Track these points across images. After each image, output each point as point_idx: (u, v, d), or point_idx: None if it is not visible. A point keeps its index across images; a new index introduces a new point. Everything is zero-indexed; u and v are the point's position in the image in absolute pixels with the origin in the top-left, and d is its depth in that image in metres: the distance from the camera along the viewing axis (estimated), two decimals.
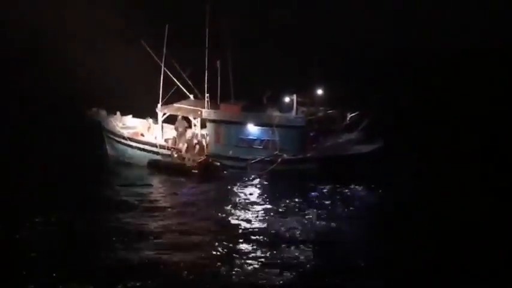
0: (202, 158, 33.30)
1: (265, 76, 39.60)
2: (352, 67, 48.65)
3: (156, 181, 33.26)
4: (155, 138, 35.33)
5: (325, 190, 30.38)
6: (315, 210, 28.00)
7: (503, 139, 36.79)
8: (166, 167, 33.83)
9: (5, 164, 32.85)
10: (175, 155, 33.63)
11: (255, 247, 24.32)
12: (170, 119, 35.64)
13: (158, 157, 34.39)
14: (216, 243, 24.57)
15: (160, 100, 34.65)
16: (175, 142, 34.63)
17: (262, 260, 23.19)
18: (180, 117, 34.98)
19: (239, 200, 29.78)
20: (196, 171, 32.91)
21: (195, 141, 34.30)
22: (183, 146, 34.03)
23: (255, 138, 32.91)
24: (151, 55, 34.49)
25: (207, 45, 33.58)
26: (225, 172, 33.09)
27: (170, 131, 35.63)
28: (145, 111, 36.47)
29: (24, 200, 28.72)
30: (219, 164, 33.21)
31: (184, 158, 33.42)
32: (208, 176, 32.79)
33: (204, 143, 34.22)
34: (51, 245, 24.27)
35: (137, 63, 36.72)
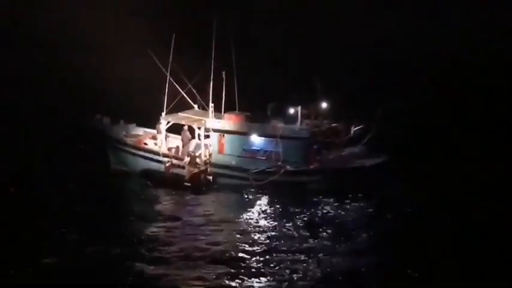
0: (195, 170, 33.07)
1: (270, 87, 39.72)
2: (356, 80, 48.91)
3: (155, 193, 32.84)
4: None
5: (325, 203, 30.26)
6: (313, 223, 27.97)
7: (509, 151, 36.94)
8: (158, 178, 33.73)
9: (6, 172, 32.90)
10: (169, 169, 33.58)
11: (254, 261, 24.10)
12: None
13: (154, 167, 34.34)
14: (214, 256, 24.42)
15: (164, 109, 34.67)
16: (178, 151, 34.61)
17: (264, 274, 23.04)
18: (185, 127, 34.97)
19: (237, 211, 29.62)
20: (188, 184, 32.74)
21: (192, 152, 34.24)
22: (185, 158, 33.98)
23: (259, 149, 32.89)
24: (157, 64, 34.61)
25: (212, 56, 33.67)
26: (215, 186, 32.96)
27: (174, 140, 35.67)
28: (150, 120, 36.57)
29: (24, 212, 28.65)
30: (211, 176, 33.11)
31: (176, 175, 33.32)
32: (199, 188, 32.60)
33: (200, 154, 34.07)
34: (50, 256, 24.04)
35: (142, 72, 36.81)
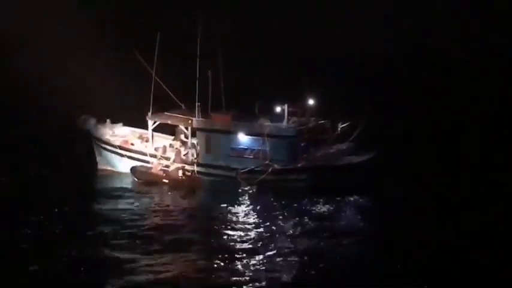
0: (174, 167, 33.04)
1: (257, 85, 39.55)
2: (343, 76, 48.82)
3: (142, 191, 32.70)
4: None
5: (314, 201, 30.12)
6: (303, 221, 27.83)
7: (498, 148, 36.96)
8: (143, 174, 33.65)
9: None
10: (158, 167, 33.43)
11: (242, 258, 24.07)
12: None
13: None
14: (201, 255, 24.32)
15: (150, 108, 34.38)
16: (165, 151, 34.37)
17: (251, 272, 22.97)
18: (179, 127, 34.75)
19: (226, 211, 29.48)
20: (166, 180, 32.75)
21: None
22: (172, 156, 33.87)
23: (246, 147, 32.67)
24: (142, 65, 34.31)
25: (198, 55, 33.41)
26: (193, 184, 32.84)
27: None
28: (135, 120, 36.35)
29: (11, 212, 28.49)
30: (190, 174, 33.09)
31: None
32: (179, 186, 32.55)
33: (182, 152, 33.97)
34: (39, 256, 23.91)
35: (127, 72, 36.54)
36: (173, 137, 35.10)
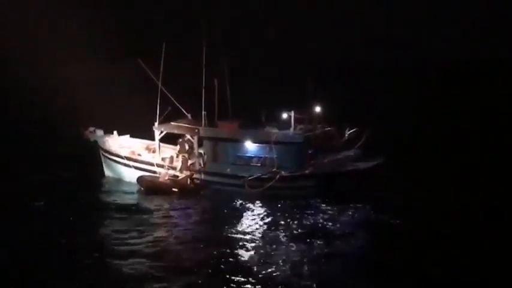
0: (183, 175, 32.99)
1: (263, 93, 39.69)
2: (349, 83, 48.95)
3: (150, 199, 32.59)
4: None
5: (322, 207, 30.01)
6: (310, 227, 27.74)
7: (504, 155, 36.79)
8: (150, 184, 33.56)
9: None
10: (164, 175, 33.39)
11: (247, 263, 24.06)
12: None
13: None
14: (207, 262, 24.18)
15: (157, 118, 34.40)
16: (172, 161, 34.33)
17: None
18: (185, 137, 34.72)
19: (233, 218, 29.32)
20: (175, 189, 32.65)
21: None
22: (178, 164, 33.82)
23: (253, 155, 32.59)
24: (145, 75, 34.42)
25: (203, 63, 33.50)
26: (201, 192, 32.83)
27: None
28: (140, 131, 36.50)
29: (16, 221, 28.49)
30: (198, 181, 33.06)
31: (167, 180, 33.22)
32: (185, 194, 32.49)
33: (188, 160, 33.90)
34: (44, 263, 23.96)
35: (131, 82, 36.72)
36: (178, 149, 34.82)
